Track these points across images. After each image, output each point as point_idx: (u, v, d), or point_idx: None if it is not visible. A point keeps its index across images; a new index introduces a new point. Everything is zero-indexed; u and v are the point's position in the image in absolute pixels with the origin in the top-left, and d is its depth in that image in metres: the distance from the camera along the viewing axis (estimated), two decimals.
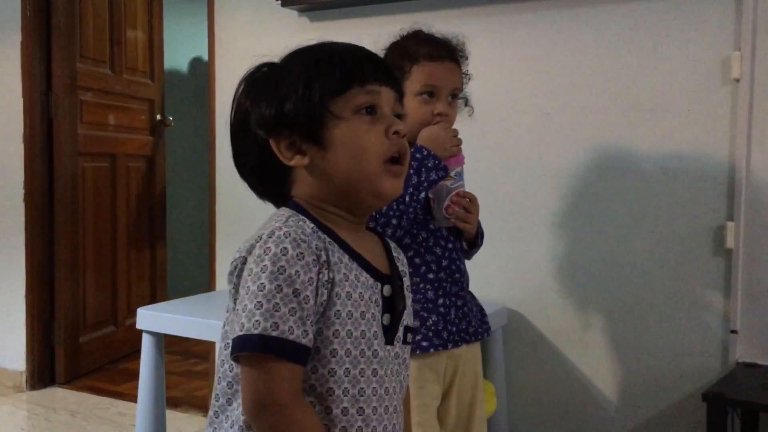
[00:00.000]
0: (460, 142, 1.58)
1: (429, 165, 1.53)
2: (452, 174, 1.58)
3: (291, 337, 0.87)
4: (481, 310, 1.68)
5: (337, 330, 0.93)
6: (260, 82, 1.02)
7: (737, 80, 2.06)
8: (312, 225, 0.96)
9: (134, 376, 2.63)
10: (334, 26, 2.60)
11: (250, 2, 2.72)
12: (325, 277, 0.92)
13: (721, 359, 2.12)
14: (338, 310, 0.93)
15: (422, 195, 1.53)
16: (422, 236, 1.59)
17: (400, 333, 1.03)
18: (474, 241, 1.66)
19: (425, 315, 1.55)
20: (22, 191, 3.27)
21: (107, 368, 3.54)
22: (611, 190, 2.24)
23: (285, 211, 0.98)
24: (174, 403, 2.98)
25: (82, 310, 3.45)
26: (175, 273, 4.28)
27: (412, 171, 1.52)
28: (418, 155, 1.53)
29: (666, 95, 2.16)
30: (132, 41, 3.79)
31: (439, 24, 1.68)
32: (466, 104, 1.70)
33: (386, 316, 1.00)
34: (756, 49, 2.04)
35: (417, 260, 1.58)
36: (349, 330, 0.94)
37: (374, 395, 0.96)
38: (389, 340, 1.00)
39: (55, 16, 3.28)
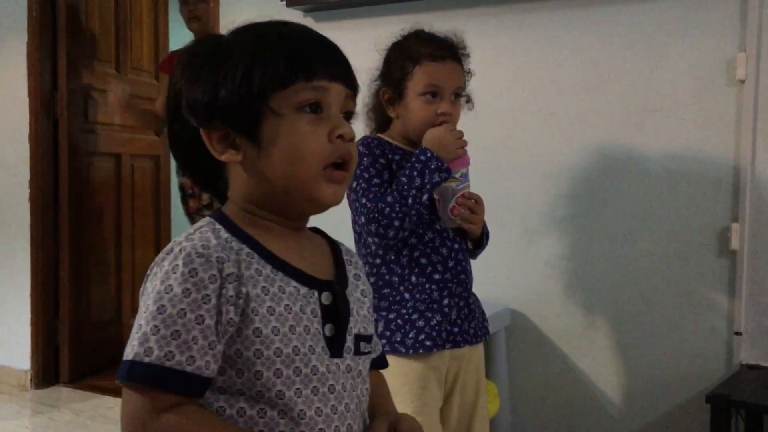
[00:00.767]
0: (464, 143, 1.58)
1: (432, 167, 1.52)
2: (457, 175, 1.57)
3: (168, 364, 0.78)
4: (482, 312, 1.69)
5: (258, 350, 0.82)
6: (199, 60, 0.90)
7: (742, 81, 2.06)
8: (226, 235, 0.86)
9: None
10: (340, 26, 2.61)
11: (255, 1, 2.73)
12: (231, 292, 0.82)
13: (725, 361, 2.11)
14: (257, 328, 0.82)
15: (425, 197, 1.53)
16: (428, 236, 1.59)
17: (349, 343, 0.91)
18: (479, 241, 1.67)
19: (429, 315, 1.56)
20: (28, 190, 3.28)
21: (111, 368, 3.54)
22: (615, 191, 2.24)
23: (201, 222, 0.90)
24: None
25: (87, 310, 3.46)
26: None
27: (415, 173, 1.52)
28: (422, 157, 1.53)
29: (671, 96, 2.16)
30: (137, 41, 3.80)
31: (442, 24, 1.67)
32: (468, 101, 1.69)
33: (329, 327, 0.89)
34: (761, 51, 2.03)
35: (423, 260, 1.58)
36: (278, 348, 0.83)
37: (319, 416, 0.85)
38: (336, 352, 0.89)
39: (61, 16, 3.29)
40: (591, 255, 2.28)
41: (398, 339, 1.53)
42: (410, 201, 1.51)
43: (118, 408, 3.12)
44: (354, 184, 1.57)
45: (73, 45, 3.35)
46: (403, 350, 1.52)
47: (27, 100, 3.26)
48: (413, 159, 1.55)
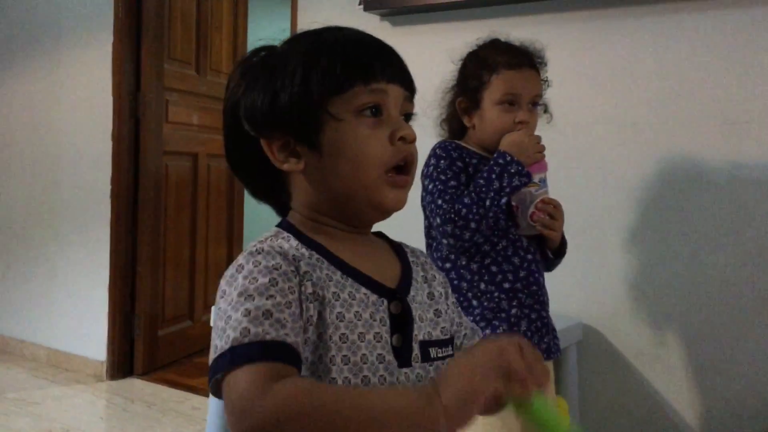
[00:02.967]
0: (543, 148, 1.56)
1: (512, 171, 1.51)
2: (536, 180, 1.55)
3: (269, 338, 0.74)
4: (554, 329, 1.65)
5: (333, 356, 0.80)
6: (256, 68, 0.90)
7: None
8: (296, 243, 0.86)
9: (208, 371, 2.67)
10: (416, 31, 2.60)
11: (333, 5, 2.74)
12: (309, 290, 0.81)
13: None
14: (330, 335, 0.81)
15: (504, 200, 1.51)
16: (502, 245, 1.57)
17: (416, 351, 0.88)
18: (559, 249, 1.63)
19: (496, 323, 1.54)
20: (110, 187, 3.38)
21: (183, 362, 3.62)
22: (696, 204, 2.15)
23: (269, 232, 0.89)
24: None
25: (161, 305, 3.55)
26: None
27: (494, 176, 1.50)
28: (501, 160, 1.51)
29: (761, 108, 2.06)
30: (217, 43, 3.88)
31: (520, 31, 1.65)
32: (546, 111, 1.67)
33: (396, 337, 0.86)
34: None
35: (494, 268, 1.56)
36: (345, 356, 0.81)
37: None
38: (404, 362, 0.86)
39: (146, 18, 3.38)
40: (667, 269, 2.19)
41: None
42: (488, 203, 1.49)
43: (188, 402, 3.21)
44: (430, 186, 1.57)
45: (156, 47, 3.44)
46: None
47: (111, 99, 3.36)
48: (491, 162, 1.53)
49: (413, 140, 0.88)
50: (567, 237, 1.68)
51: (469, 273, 1.57)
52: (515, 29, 1.65)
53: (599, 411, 2.31)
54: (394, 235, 1.00)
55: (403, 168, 0.87)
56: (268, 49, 0.91)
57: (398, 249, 0.97)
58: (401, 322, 0.87)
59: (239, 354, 0.74)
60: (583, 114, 2.30)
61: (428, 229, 1.64)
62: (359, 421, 0.69)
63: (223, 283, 0.82)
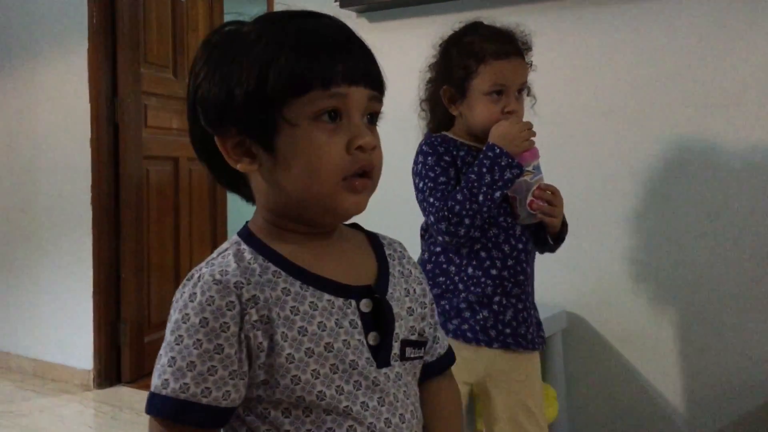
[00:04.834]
0: (531, 135, 1.54)
1: (503, 163, 1.49)
2: (529, 168, 1.54)
3: (183, 397, 0.76)
4: (539, 322, 1.65)
5: (295, 375, 0.78)
6: (217, 53, 0.84)
7: None
8: (250, 256, 0.82)
9: None
10: (394, 27, 2.59)
11: (308, 4, 2.72)
12: (255, 317, 0.78)
13: None
14: (289, 354, 0.78)
15: (497, 194, 1.49)
16: (492, 232, 1.56)
17: (396, 350, 0.86)
18: (559, 234, 1.62)
19: (477, 308, 1.54)
20: (90, 195, 3.35)
21: None
22: (680, 190, 2.16)
23: (227, 243, 0.86)
24: None
25: (147, 311, 3.52)
26: None
27: (485, 169, 1.49)
28: (490, 153, 1.50)
29: (739, 92, 2.07)
30: (194, 45, 3.85)
31: (500, 21, 1.64)
32: (528, 94, 1.65)
33: (372, 336, 0.84)
34: None
35: (483, 254, 1.55)
36: (315, 370, 0.79)
37: (372, 431, 0.82)
38: (383, 362, 0.84)
39: (121, 23, 3.35)
40: (653, 257, 2.21)
41: (441, 322, 1.52)
42: (481, 198, 1.48)
43: None
44: (420, 184, 1.56)
45: (132, 52, 3.41)
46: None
47: (89, 106, 3.33)
48: (481, 156, 1.51)
49: (373, 148, 0.82)
50: None
51: (458, 257, 1.56)
52: (494, 21, 1.64)
53: (586, 398, 2.32)
54: (389, 226, 0.98)
55: (362, 174, 0.83)
56: (234, 29, 0.85)
57: (374, 241, 0.93)
58: (376, 320, 0.85)
59: (154, 404, 0.78)
60: (562, 104, 2.30)
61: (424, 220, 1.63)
62: None
63: (174, 299, 0.82)
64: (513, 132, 1.52)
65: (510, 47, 1.55)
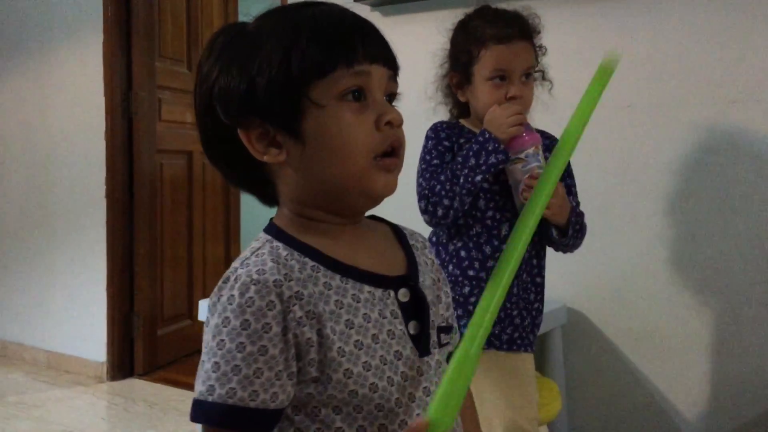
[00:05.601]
0: (518, 121, 1.49)
1: (489, 148, 1.47)
2: (522, 155, 1.49)
3: (230, 402, 0.74)
4: (531, 324, 1.60)
5: (348, 369, 0.77)
6: (229, 50, 0.83)
7: None
8: (285, 252, 0.80)
9: None
10: (407, 20, 2.58)
11: None
12: (299, 314, 0.76)
13: None
14: (340, 348, 0.77)
15: (478, 178, 1.47)
16: (475, 230, 1.55)
17: (434, 337, 0.86)
18: (567, 229, 1.53)
19: (454, 306, 1.52)
20: (104, 187, 3.36)
21: (183, 361, 3.61)
22: (695, 186, 2.14)
23: (258, 242, 0.83)
24: None
25: (160, 304, 3.54)
26: None
27: (471, 153, 1.48)
28: (480, 138, 1.49)
29: (758, 87, 2.05)
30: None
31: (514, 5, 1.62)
32: (544, 78, 1.62)
33: (412, 324, 0.84)
34: None
35: (463, 253, 1.54)
36: (366, 362, 0.78)
37: None
38: (424, 350, 0.84)
39: (135, 17, 3.36)
40: (666, 254, 2.18)
41: None
42: (461, 180, 1.47)
43: (189, 401, 3.18)
44: (418, 167, 1.57)
45: (147, 45, 3.42)
46: None
47: (103, 99, 3.34)
48: (473, 140, 1.51)
49: (400, 124, 0.83)
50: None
51: (445, 253, 1.56)
52: (507, 5, 1.63)
53: (585, 393, 2.31)
54: (399, 218, 0.98)
55: (391, 152, 0.82)
56: (239, 27, 0.85)
57: (398, 232, 0.93)
58: (414, 309, 0.84)
59: (201, 411, 0.75)
60: (577, 98, 2.27)
61: None
62: None
63: (209, 306, 0.80)
64: (498, 117, 1.49)
65: (512, 31, 1.51)
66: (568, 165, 1.59)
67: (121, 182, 3.38)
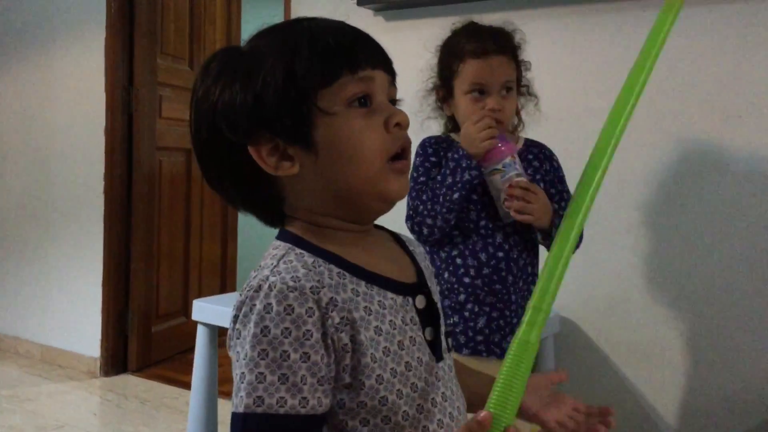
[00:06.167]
0: (491, 134, 1.49)
1: (463, 165, 1.49)
2: (500, 166, 1.51)
3: (282, 411, 0.73)
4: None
5: (380, 375, 0.78)
6: (228, 70, 0.82)
7: None
8: (312, 259, 0.80)
9: None
10: (410, 26, 2.59)
11: (326, 0, 2.74)
12: (337, 320, 0.76)
13: None
14: (372, 354, 0.78)
15: (456, 196, 1.49)
16: (473, 239, 1.56)
17: (445, 342, 0.88)
18: (548, 232, 1.53)
19: (449, 313, 1.54)
20: (102, 183, 3.37)
21: (177, 358, 3.61)
22: (692, 196, 2.15)
23: (278, 249, 0.82)
24: (227, 393, 3.01)
25: (155, 301, 3.54)
26: (245, 267, 4.35)
27: (448, 171, 1.50)
28: (455, 155, 1.51)
29: (757, 102, 2.06)
30: (210, 38, 3.87)
31: (515, 24, 1.64)
32: (529, 93, 1.64)
33: (428, 331, 0.85)
34: None
35: (459, 261, 1.56)
36: (393, 369, 0.79)
37: (441, 428, 0.83)
38: (439, 356, 0.86)
39: (138, 14, 3.37)
40: (661, 266, 2.19)
41: None
42: (441, 199, 1.49)
43: (182, 398, 3.20)
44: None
45: (149, 42, 3.42)
46: None
47: (104, 95, 3.34)
48: (449, 157, 1.52)
49: (408, 125, 0.84)
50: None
51: (439, 260, 1.58)
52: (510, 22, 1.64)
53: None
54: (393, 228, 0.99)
55: (401, 154, 0.84)
56: (233, 50, 0.85)
57: (399, 240, 0.94)
58: (428, 315, 0.86)
59: (252, 424, 0.74)
60: (575, 108, 2.29)
61: None
62: None
63: (237, 316, 0.78)
64: (469, 133, 1.50)
65: (488, 45, 1.53)
66: (562, 172, 1.60)
67: (119, 178, 3.38)
